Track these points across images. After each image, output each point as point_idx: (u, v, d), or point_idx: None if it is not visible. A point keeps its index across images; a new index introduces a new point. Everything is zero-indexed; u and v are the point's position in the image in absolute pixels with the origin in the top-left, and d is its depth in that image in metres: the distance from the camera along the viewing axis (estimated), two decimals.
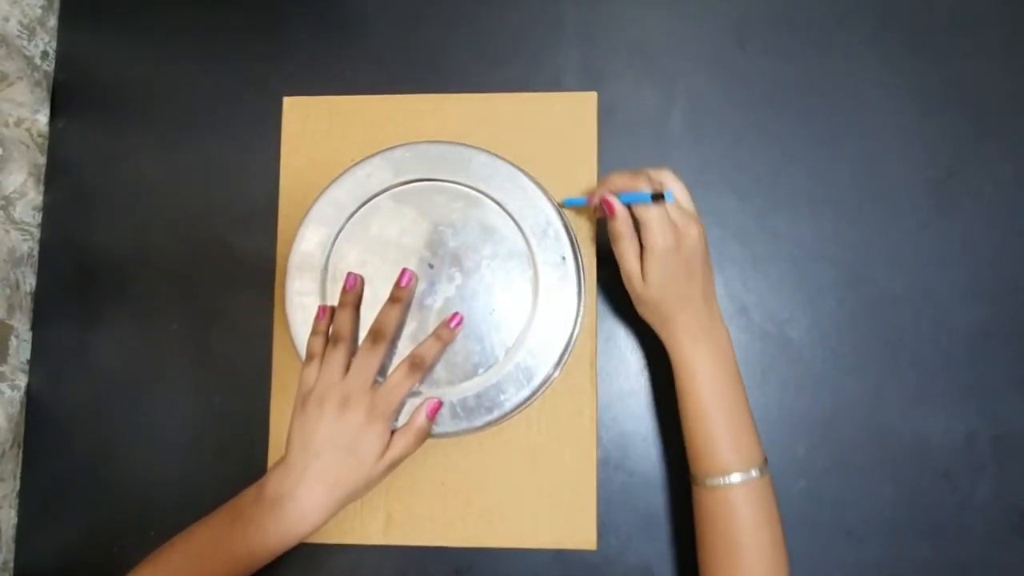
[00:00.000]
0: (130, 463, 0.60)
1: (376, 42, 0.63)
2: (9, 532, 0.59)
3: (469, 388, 0.54)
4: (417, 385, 0.53)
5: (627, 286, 0.51)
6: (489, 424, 0.54)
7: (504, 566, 0.58)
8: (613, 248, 0.51)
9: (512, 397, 0.53)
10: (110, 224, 0.63)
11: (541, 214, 0.55)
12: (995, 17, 0.62)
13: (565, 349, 0.54)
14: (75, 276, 0.62)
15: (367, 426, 0.50)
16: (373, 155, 0.56)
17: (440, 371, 0.54)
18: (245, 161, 0.62)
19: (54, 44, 0.64)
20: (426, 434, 0.53)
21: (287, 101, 0.62)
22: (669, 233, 0.48)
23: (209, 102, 0.63)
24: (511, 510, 0.57)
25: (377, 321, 0.53)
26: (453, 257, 0.55)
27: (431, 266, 0.55)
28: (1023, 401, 0.58)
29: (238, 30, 0.64)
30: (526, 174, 0.56)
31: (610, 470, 0.58)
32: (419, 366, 0.52)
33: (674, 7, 0.63)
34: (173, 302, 0.62)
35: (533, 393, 0.54)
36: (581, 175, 0.60)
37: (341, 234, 0.56)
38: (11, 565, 0.59)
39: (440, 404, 0.53)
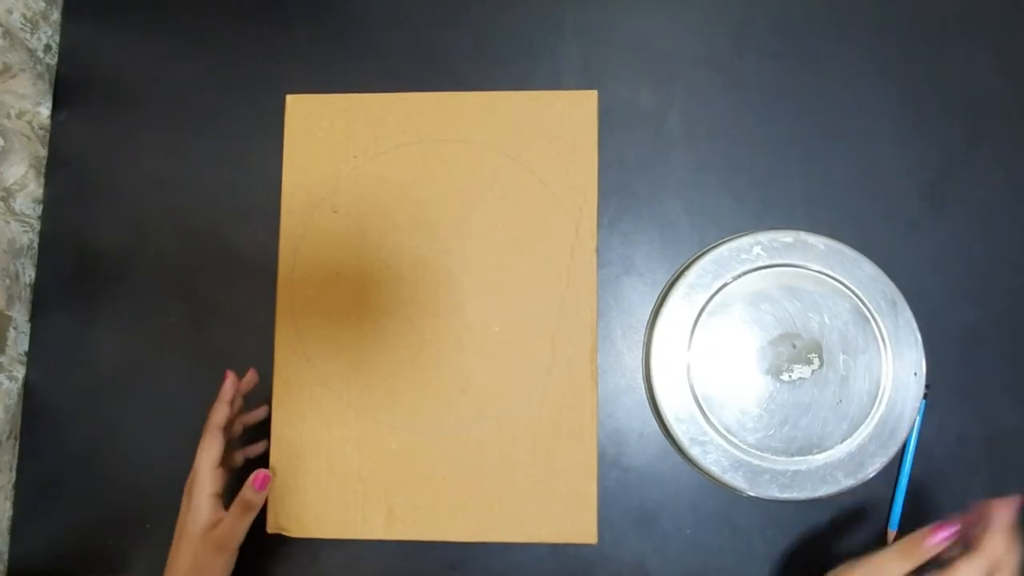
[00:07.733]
0: (127, 456, 0.60)
1: (378, 40, 0.64)
2: (4, 523, 0.59)
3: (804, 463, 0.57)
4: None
5: None
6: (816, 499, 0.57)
7: (499, 561, 0.58)
8: None
9: (841, 482, 0.57)
10: (110, 218, 0.63)
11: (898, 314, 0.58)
12: (988, 24, 0.63)
13: (904, 445, 0.58)
14: (75, 268, 0.62)
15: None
16: (754, 232, 0.59)
17: (778, 444, 0.57)
18: (247, 157, 0.63)
19: (57, 37, 0.65)
20: (254, 505, 0.50)
21: (290, 99, 0.62)
22: None
23: (211, 98, 0.64)
24: (512, 505, 0.58)
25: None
26: (815, 344, 0.58)
27: (794, 346, 0.58)
28: (1015, 403, 0.58)
29: (241, 27, 0.65)
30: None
31: (606, 466, 0.58)
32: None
33: (673, 10, 0.64)
34: (172, 297, 0.62)
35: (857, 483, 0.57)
36: (580, 172, 0.60)
37: (710, 303, 0.59)
38: (6, 556, 0.59)
39: (268, 477, 0.51)
